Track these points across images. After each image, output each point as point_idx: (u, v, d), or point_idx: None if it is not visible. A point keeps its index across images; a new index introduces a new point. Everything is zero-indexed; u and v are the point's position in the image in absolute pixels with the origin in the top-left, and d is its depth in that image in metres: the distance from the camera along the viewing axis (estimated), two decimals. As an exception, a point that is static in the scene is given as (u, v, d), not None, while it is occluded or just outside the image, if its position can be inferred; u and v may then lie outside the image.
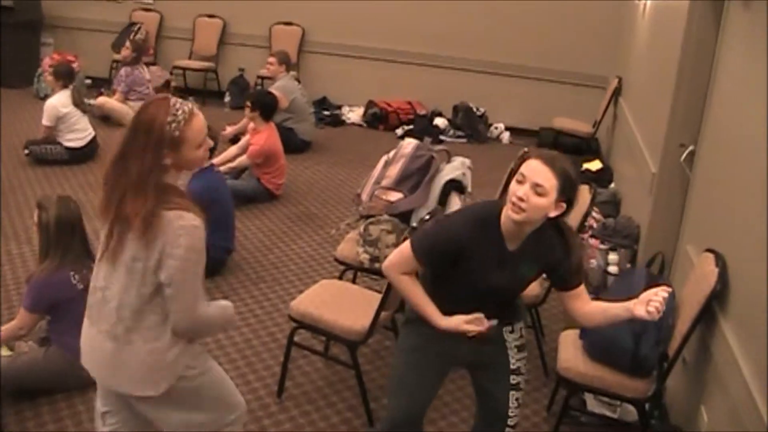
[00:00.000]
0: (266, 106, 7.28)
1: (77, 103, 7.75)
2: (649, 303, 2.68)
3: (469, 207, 2.99)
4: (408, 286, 2.96)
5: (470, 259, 2.83)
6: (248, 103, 7.23)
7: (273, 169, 7.23)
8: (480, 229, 2.81)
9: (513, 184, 2.73)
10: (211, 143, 2.67)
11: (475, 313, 2.89)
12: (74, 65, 9.13)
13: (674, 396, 4.13)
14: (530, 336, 4.73)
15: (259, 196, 7.14)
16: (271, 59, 8.85)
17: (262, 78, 10.14)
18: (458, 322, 2.89)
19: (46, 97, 8.15)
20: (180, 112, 2.58)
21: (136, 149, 2.60)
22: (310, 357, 4.61)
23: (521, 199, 2.67)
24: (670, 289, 2.74)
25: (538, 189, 2.68)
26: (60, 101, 7.65)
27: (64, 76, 7.76)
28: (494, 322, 2.93)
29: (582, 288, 2.96)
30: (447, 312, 2.93)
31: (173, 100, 2.63)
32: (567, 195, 2.74)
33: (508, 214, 2.74)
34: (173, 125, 2.57)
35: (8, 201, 6.64)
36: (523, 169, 2.72)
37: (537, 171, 2.69)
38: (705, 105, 4.47)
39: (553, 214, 2.75)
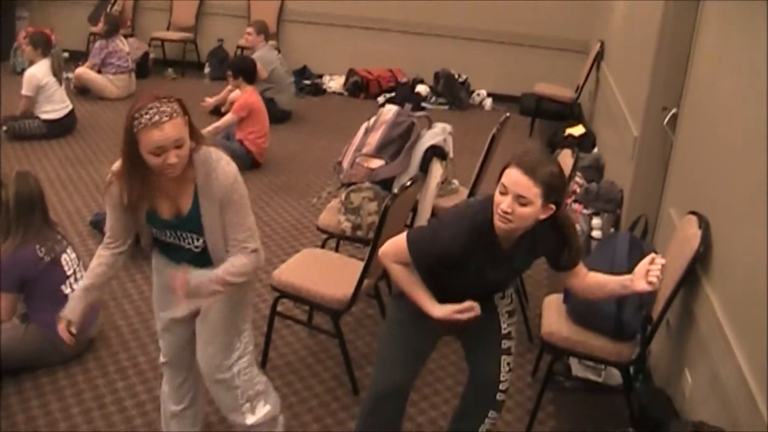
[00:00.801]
0: (248, 71, 7.31)
1: (56, 72, 7.67)
2: (648, 274, 2.66)
3: (465, 210, 2.87)
4: (402, 274, 2.92)
5: (465, 263, 2.79)
6: (230, 72, 7.22)
7: (257, 128, 7.20)
8: (475, 235, 2.74)
9: (497, 195, 2.65)
10: (174, 161, 2.67)
11: (468, 302, 2.86)
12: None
13: (658, 359, 4.14)
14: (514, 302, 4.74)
15: (240, 160, 7.04)
16: (249, 29, 8.78)
17: (242, 48, 10.04)
18: (450, 311, 2.85)
19: (23, 71, 8.05)
20: (146, 116, 2.61)
21: None
22: (293, 327, 4.60)
23: (506, 212, 2.61)
24: (662, 259, 2.72)
25: (521, 200, 2.60)
26: (40, 71, 7.58)
27: (42, 44, 7.66)
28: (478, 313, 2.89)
29: (579, 267, 2.93)
30: (440, 300, 2.90)
31: (156, 104, 2.63)
32: (553, 198, 2.66)
33: (496, 223, 2.68)
34: (134, 122, 2.63)
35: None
36: (504, 179, 2.64)
37: (518, 182, 2.60)
38: (687, 67, 4.45)
39: (543, 217, 2.68)
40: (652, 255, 2.73)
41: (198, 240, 2.94)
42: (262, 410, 3.35)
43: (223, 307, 3.10)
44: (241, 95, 7.19)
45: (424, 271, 2.93)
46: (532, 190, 2.59)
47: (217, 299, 3.01)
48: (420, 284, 2.92)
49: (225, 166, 2.82)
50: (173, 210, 2.88)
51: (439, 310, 2.87)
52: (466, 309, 2.84)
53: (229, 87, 7.67)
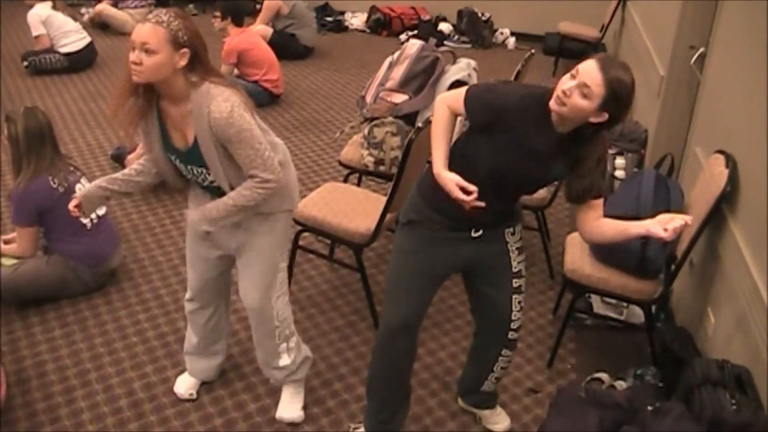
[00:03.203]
0: (237, 11, 7.04)
1: (57, 9, 7.67)
2: (668, 223, 2.60)
3: (531, 85, 2.83)
4: (443, 120, 2.87)
5: (513, 124, 2.72)
6: (217, 13, 6.97)
7: (257, 68, 7.10)
8: (528, 100, 2.69)
9: (565, 77, 2.60)
10: (134, 59, 2.65)
11: (477, 199, 2.79)
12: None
13: (681, 298, 4.13)
14: (536, 239, 4.73)
15: (258, 97, 7.01)
16: (271, -36, 8.65)
17: (263, -16, 9.95)
18: (453, 181, 2.73)
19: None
20: (150, 14, 2.68)
21: None
22: (314, 261, 4.60)
23: (565, 94, 2.56)
24: (690, 217, 2.65)
25: (584, 90, 2.52)
26: (40, 8, 7.59)
27: None
28: (482, 204, 2.75)
29: (599, 202, 2.84)
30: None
31: (164, 10, 2.70)
32: (609, 108, 2.56)
33: (551, 104, 2.62)
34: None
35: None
36: (580, 65, 2.58)
37: (589, 72, 2.53)
38: (716, 7, 4.36)
39: (593, 120, 2.60)
40: (683, 216, 2.66)
41: (209, 175, 2.92)
42: (298, 352, 3.40)
43: (262, 246, 3.11)
44: (227, 39, 6.96)
45: (462, 137, 2.89)
46: (598, 86, 2.52)
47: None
48: (447, 142, 2.87)
49: (221, 102, 2.73)
50: (182, 141, 2.88)
51: (444, 174, 2.77)
52: (467, 190, 2.72)
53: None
